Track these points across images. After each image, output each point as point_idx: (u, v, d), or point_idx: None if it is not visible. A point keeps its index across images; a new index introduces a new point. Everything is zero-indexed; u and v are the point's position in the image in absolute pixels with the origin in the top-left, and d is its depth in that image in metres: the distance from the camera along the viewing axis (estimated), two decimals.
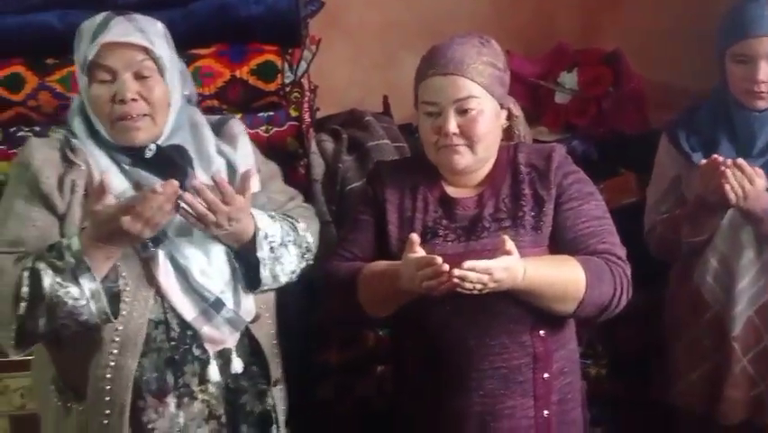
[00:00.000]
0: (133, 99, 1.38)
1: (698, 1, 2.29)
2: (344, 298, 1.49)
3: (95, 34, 1.38)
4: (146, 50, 1.39)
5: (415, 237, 1.36)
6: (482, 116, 1.47)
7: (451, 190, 1.54)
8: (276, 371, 1.53)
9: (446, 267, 1.27)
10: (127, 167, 1.42)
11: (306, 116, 1.89)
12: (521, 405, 1.47)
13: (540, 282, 1.38)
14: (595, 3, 2.37)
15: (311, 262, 1.57)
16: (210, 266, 1.43)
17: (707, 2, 2.28)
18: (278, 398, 1.54)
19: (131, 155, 1.42)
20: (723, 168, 1.58)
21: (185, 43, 1.72)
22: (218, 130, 1.55)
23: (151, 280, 1.40)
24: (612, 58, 2.16)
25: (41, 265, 1.29)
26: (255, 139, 1.77)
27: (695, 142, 1.77)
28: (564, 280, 1.41)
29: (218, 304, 1.43)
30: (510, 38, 2.34)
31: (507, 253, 1.32)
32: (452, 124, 1.44)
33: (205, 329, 1.42)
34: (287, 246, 1.49)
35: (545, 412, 1.48)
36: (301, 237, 1.53)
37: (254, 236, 1.44)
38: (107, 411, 1.38)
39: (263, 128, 1.81)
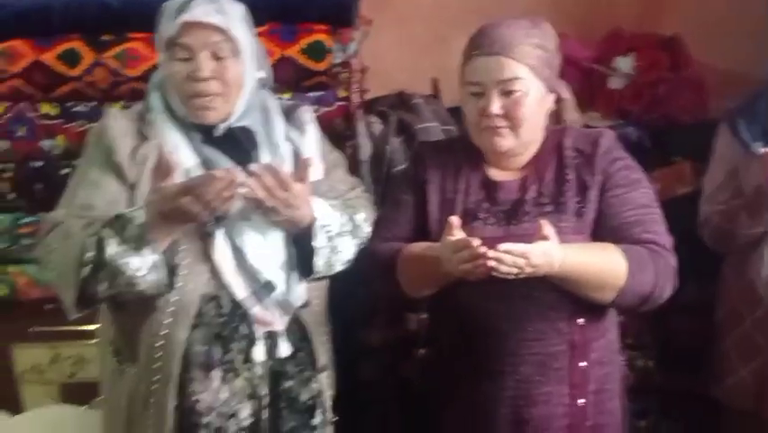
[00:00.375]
0: (208, 78, 1.41)
1: None
2: (384, 278, 1.49)
3: (177, 12, 1.42)
4: (224, 31, 1.42)
5: (454, 219, 1.35)
6: (526, 99, 1.44)
7: (493, 173, 1.52)
8: (323, 357, 1.54)
9: (483, 249, 1.26)
10: (197, 144, 1.44)
11: (355, 97, 1.89)
12: (556, 392, 1.45)
13: (578, 269, 1.36)
14: None
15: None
16: (266, 249, 1.45)
17: None
18: (324, 384, 1.55)
19: (202, 133, 1.45)
20: None
21: None
22: (288, 115, 1.56)
23: (208, 256, 1.42)
24: (671, 43, 2.12)
25: (107, 233, 1.33)
26: None
27: (755, 132, 1.73)
28: (604, 268, 1.38)
29: (270, 286, 1.45)
30: (565, 21, 2.29)
31: (545, 238, 1.30)
32: (496, 105, 1.42)
33: (255, 310, 1.44)
34: (343, 237, 1.50)
35: (581, 401, 1.46)
36: (359, 228, 1.53)
37: (312, 225, 1.45)
38: (156, 378, 1.42)
39: (312, 108, 1.79)
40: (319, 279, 1.52)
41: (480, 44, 1.44)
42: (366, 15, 2.10)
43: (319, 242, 1.45)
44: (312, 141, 1.55)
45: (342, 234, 1.49)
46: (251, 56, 1.47)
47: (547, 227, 1.31)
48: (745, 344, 1.77)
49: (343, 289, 1.88)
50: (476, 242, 1.27)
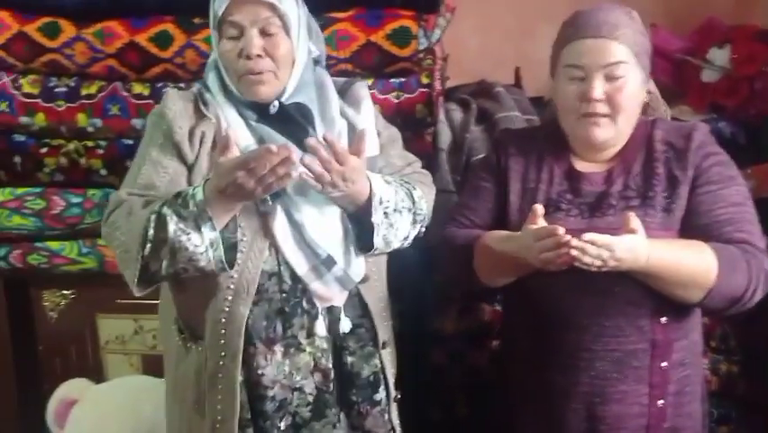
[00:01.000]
0: (258, 55, 1.40)
1: None
2: (461, 264, 1.48)
3: None
4: (273, 7, 1.41)
5: (539, 207, 1.32)
6: (629, 85, 1.40)
7: (578, 164, 1.48)
8: (384, 334, 1.54)
9: (568, 238, 1.23)
10: (253, 123, 1.44)
11: (437, 84, 1.87)
12: (634, 391, 1.41)
13: (665, 266, 1.31)
14: None
15: (423, 230, 1.56)
16: (324, 224, 1.45)
17: None
18: (386, 360, 1.54)
19: (257, 111, 1.45)
20: None
21: (324, 5, 1.77)
22: (344, 92, 1.55)
23: (267, 233, 1.43)
24: (766, 35, 2.00)
25: (168, 211, 1.33)
26: (385, 104, 1.81)
27: None
28: (693, 266, 1.33)
29: (329, 261, 1.45)
30: (657, 11, 2.23)
31: (632, 231, 1.26)
32: (599, 90, 1.38)
33: (315, 285, 1.45)
34: (401, 213, 1.48)
35: (660, 402, 1.42)
36: (416, 205, 1.52)
37: (369, 200, 1.44)
38: (222, 353, 1.43)
39: (394, 94, 1.81)
40: (377, 255, 1.51)
41: (584, 26, 1.39)
42: (450, 2, 2.09)
43: (376, 217, 1.44)
44: (367, 116, 1.53)
45: (399, 210, 1.47)
46: (303, 32, 1.46)
47: (635, 220, 1.27)
48: None
49: (418, 273, 1.90)
50: (561, 230, 1.25)
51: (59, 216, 1.99)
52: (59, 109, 1.92)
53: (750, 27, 2.05)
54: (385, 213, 1.45)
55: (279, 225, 1.43)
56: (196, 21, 1.83)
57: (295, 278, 1.45)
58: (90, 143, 1.94)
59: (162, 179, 1.43)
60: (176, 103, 1.46)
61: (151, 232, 1.33)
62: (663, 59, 2.08)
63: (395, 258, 1.62)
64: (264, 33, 1.41)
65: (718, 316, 1.63)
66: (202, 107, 1.46)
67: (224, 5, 1.41)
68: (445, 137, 1.95)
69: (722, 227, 1.38)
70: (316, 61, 1.54)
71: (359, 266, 1.49)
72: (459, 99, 2.09)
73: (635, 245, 1.26)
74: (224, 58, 1.44)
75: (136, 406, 1.93)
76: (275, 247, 1.44)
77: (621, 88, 1.38)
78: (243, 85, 1.44)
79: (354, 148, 1.39)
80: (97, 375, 2.14)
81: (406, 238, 1.52)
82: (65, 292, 2.15)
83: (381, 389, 1.54)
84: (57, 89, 1.93)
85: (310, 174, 1.35)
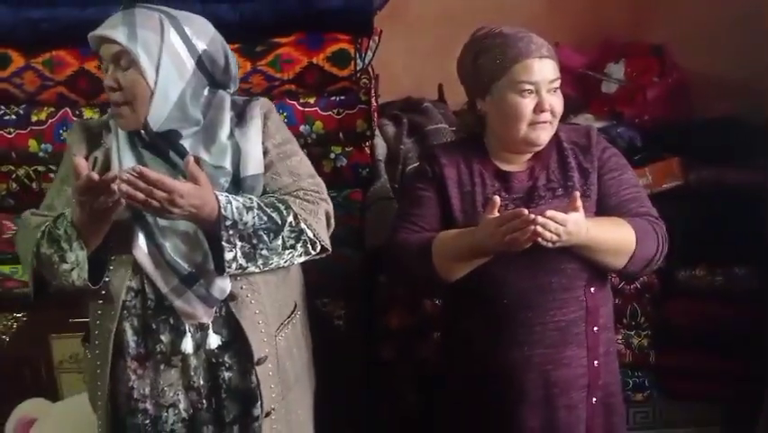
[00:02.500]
0: (113, 89, 1.48)
1: None
2: (421, 264, 1.62)
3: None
4: (120, 44, 1.45)
5: (496, 199, 1.52)
6: (561, 97, 1.66)
7: (503, 166, 1.70)
8: (261, 350, 1.54)
9: (533, 216, 1.43)
10: (139, 147, 1.51)
11: (374, 101, 2.01)
12: (576, 355, 1.63)
13: (600, 238, 1.55)
14: None
15: (321, 253, 1.59)
16: (184, 243, 1.50)
17: None
18: (262, 377, 1.54)
19: (139, 138, 1.52)
20: None
21: (269, 32, 1.90)
22: (241, 112, 1.59)
23: (130, 252, 1.49)
24: (658, 50, 2.28)
25: (48, 231, 1.44)
26: (328, 120, 1.94)
27: None
28: (618, 236, 1.58)
29: (190, 279, 1.48)
30: (562, 30, 2.45)
31: (576, 209, 1.49)
32: (548, 102, 1.61)
33: (178, 303, 1.49)
34: (267, 234, 1.49)
35: (596, 363, 1.65)
36: (286, 227, 1.51)
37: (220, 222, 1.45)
38: (98, 363, 1.54)
39: (335, 111, 1.94)
40: (246, 273, 1.52)
41: (528, 48, 1.61)
42: (377, 26, 2.27)
43: (226, 238, 1.45)
44: (251, 136, 1.56)
45: (260, 231, 1.48)
46: (167, 65, 1.47)
47: (579, 200, 1.50)
48: None
49: (363, 276, 2.05)
50: (525, 211, 1.45)
51: (10, 240, 2.01)
52: (9, 136, 1.96)
53: (642, 44, 2.33)
54: (241, 235, 1.47)
55: (140, 245, 1.48)
56: None
57: (160, 295, 1.50)
58: (41, 168, 1.99)
59: (60, 201, 1.52)
60: (76, 132, 1.59)
61: (35, 249, 1.45)
62: (568, 73, 2.31)
63: (336, 263, 1.72)
64: (119, 67, 1.48)
65: (635, 278, 1.93)
66: (104, 134, 1.56)
67: (90, 41, 1.51)
68: (381, 149, 2.12)
69: (629, 204, 1.65)
70: (221, 86, 1.58)
71: (223, 284, 1.50)
72: (390, 115, 2.27)
73: (580, 220, 1.50)
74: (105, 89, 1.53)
75: (95, 421, 1.98)
76: (138, 266, 1.49)
77: (560, 98, 1.65)
78: (111, 115, 1.55)
79: (189, 176, 1.42)
80: (52, 395, 2.15)
81: (286, 261, 1.54)
82: (17, 315, 2.15)
83: (257, 405, 1.54)
84: (6, 117, 1.97)
85: (135, 202, 1.39)
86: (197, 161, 1.46)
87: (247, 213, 1.47)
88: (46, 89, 1.96)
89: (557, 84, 1.63)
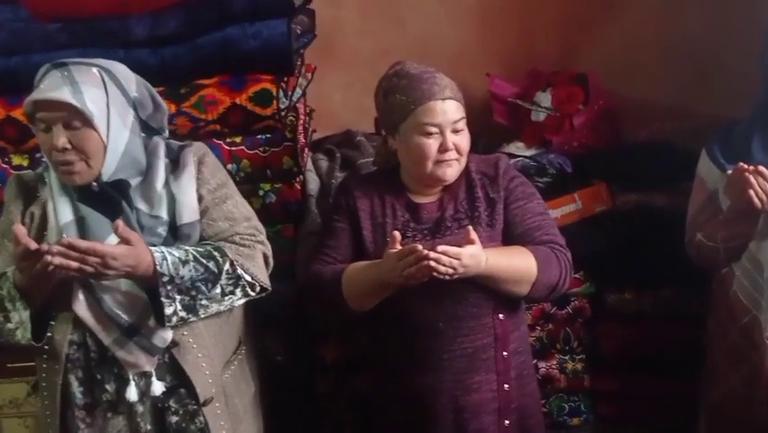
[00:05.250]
0: (65, 148, 1.48)
1: (668, 20, 2.46)
2: (332, 296, 1.67)
3: (34, 88, 1.51)
4: (71, 106, 1.46)
5: (397, 234, 1.57)
6: (467, 134, 1.71)
7: (414, 197, 1.74)
8: (207, 392, 1.58)
9: (426, 252, 1.47)
10: (77, 201, 1.54)
11: (301, 137, 2.05)
12: (486, 380, 1.67)
13: (500, 268, 1.59)
14: (571, 27, 2.53)
15: (261, 293, 1.63)
16: (124, 296, 1.53)
17: (676, 21, 2.46)
18: (210, 417, 1.59)
19: (77, 191, 1.54)
20: (747, 174, 1.65)
21: (191, 74, 1.94)
22: (175, 158, 1.62)
23: (70, 307, 1.52)
24: (582, 78, 2.32)
25: None
26: (254, 158, 1.97)
27: (731, 156, 1.82)
28: (519, 265, 1.62)
29: (131, 331, 1.52)
30: (494, 61, 2.54)
31: (471, 241, 1.52)
32: (452, 143, 1.66)
33: (120, 354, 1.52)
34: (205, 284, 1.53)
35: (506, 386, 1.69)
36: (229, 276, 1.55)
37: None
38: (48, 412, 1.58)
39: (261, 149, 1.98)
40: (188, 323, 1.55)
41: (433, 92, 1.65)
42: (312, 62, 2.31)
43: (164, 294, 1.49)
44: (185, 184, 1.59)
45: (198, 283, 1.52)
46: (115, 119, 1.51)
47: (472, 232, 1.54)
48: (733, 352, 1.87)
49: (297, 310, 2.06)
50: (419, 246, 1.49)
51: None
52: None
53: (568, 72, 2.38)
54: (179, 289, 1.50)
55: (79, 299, 1.51)
56: None
57: (102, 347, 1.53)
58: None
59: (2, 257, 1.55)
60: (10, 189, 1.61)
61: None
62: (500, 103, 2.38)
63: (269, 298, 1.72)
64: (68, 127, 1.48)
65: (542, 302, 1.98)
66: (39, 187, 1.59)
67: (29, 106, 1.49)
68: (314, 184, 2.14)
69: (533, 233, 1.69)
70: (156, 132, 1.62)
71: (164, 333, 1.54)
72: (325, 149, 2.30)
73: (476, 252, 1.54)
74: (42, 149, 1.54)
75: None
76: (79, 320, 1.52)
77: (464, 137, 1.69)
78: (59, 173, 1.53)
79: (121, 239, 1.45)
80: None
81: (225, 306, 1.58)
82: None
83: None
84: None
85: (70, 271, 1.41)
86: (117, 225, 1.46)
87: (183, 267, 1.51)
88: None
89: (461, 124, 1.67)
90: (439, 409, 1.66)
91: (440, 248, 1.49)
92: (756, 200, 1.67)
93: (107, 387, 1.56)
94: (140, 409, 1.56)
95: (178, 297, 1.50)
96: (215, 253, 1.56)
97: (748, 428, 1.87)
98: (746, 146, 1.82)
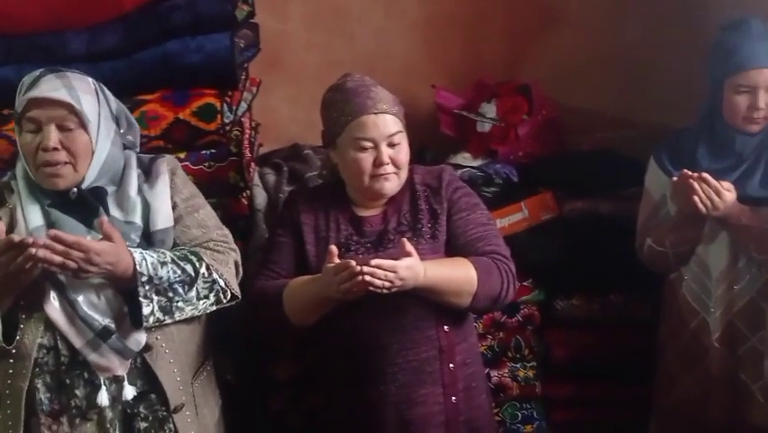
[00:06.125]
0: (55, 148, 1.51)
1: (610, 32, 2.51)
2: (274, 311, 1.65)
3: (27, 89, 1.53)
4: (70, 106, 1.52)
5: (333, 248, 1.55)
6: (405, 147, 1.69)
7: (359, 211, 1.74)
8: (177, 398, 1.59)
9: (359, 267, 1.46)
10: (47, 207, 1.54)
11: (247, 152, 2.03)
12: (432, 393, 1.65)
13: (439, 280, 1.58)
14: (516, 38, 2.57)
15: (231, 300, 1.65)
16: (99, 298, 1.53)
17: (618, 33, 2.52)
18: (180, 424, 1.59)
19: (53, 196, 1.54)
20: (691, 181, 1.71)
21: (131, 90, 1.89)
22: (147, 170, 1.66)
23: (42, 309, 1.50)
24: (525, 89, 2.36)
25: None
26: (199, 174, 1.94)
27: (678, 163, 1.88)
28: (459, 276, 1.61)
29: (105, 333, 1.51)
30: (441, 73, 2.56)
31: (408, 254, 1.51)
32: (387, 156, 1.64)
33: (93, 356, 1.51)
34: (182, 286, 1.55)
35: (453, 399, 1.67)
36: (200, 278, 1.58)
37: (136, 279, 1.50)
38: (9, 423, 1.52)
39: (206, 164, 1.95)
40: (162, 325, 1.57)
41: (366, 106, 1.65)
42: (258, 76, 2.29)
43: (143, 293, 1.51)
44: (159, 192, 1.63)
45: (176, 284, 1.54)
46: (104, 127, 1.57)
47: (407, 244, 1.53)
48: (685, 355, 1.92)
49: (249, 326, 2.03)
50: (352, 262, 1.48)
51: None
52: None
53: (512, 83, 2.41)
54: (157, 289, 1.52)
55: (51, 302, 1.50)
56: (6, 112, 1.88)
57: (73, 350, 1.51)
58: None
59: None
60: None
61: None
62: (446, 114, 2.40)
63: (222, 313, 1.71)
64: (62, 128, 1.52)
65: (485, 313, 1.97)
66: (6, 194, 1.57)
67: (23, 103, 1.52)
68: (261, 199, 2.12)
69: (476, 243, 1.69)
70: (127, 146, 1.66)
71: (138, 336, 1.54)
72: (272, 163, 2.28)
73: (413, 265, 1.53)
74: (25, 150, 1.55)
75: None
76: (50, 323, 1.50)
77: (401, 150, 1.68)
78: (41, 176, 1.54)
79: (104, 235, 1.47)
80: None
81: (200, 310, 1.60)
82: None
83: None
84: None
85: (51, 263, 1.41)
86: (101, 222, 1.50)
87: (161, 267, 1.53)
88: None
89: (398, 137, 1.66)
90: (385, 423, 1.64)
91: (374, 262, 1.48)
92: (701, 206, 1.72)
93: (77, 392, 1.52)
94: (109, 414, 1.54)
95: (155, 297, 1.52)
96: (192, 257, 1.58)
97: (700, 430, 1.93)
98: (693, 153, 1.89)
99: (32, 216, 1.53)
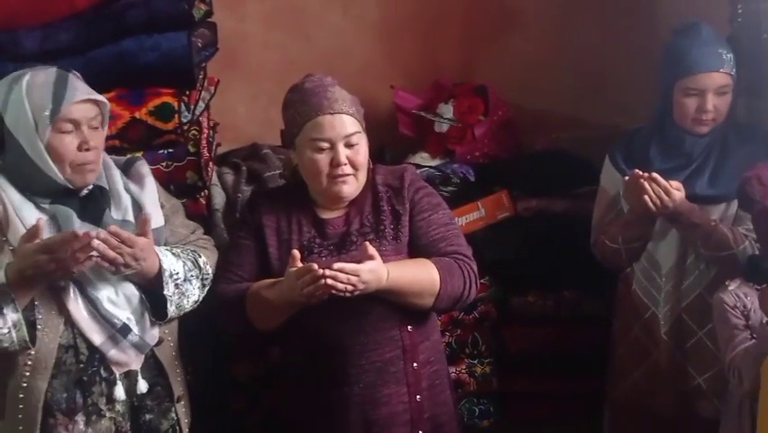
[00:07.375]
0: (93, 148, 1.58)
1: (564, 36, 2.57)
2: (236, 315, 1.65)
3: (56, 91, 1.54)
4: (100, 105, 1.59)
5: (296, 253, 1.55)
6: (363, 147, 1.69)
7: (321, 213, 1.73)
8: (178, 389, 1.68)
9: (321, 271, 1.47)
10: (45, 205, 1.55)
11: (205, 152, 2.02)
12: (396, 393, 1.66)
13: (401, 282, 1.59)
14: (473, 41, 2.61)
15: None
16: (118, 295, 1.58)
17: (572, 37, 2.57)
18: (181, 413, 1.68)
19: (59, 193, 1.56)
20: (642, 181, 1.76)
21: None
22: (126, 170, 1.70)
23: (62, 308, 1.53)
24: (481, 90, 2.40)
25: None
26: (156, 174, 1.89)
27: (631, 162, 1.93)
28: (422, 278, 1.62)
29: (125, 329, 1.57)
30: (399, 74, 2.58)
31: (370, 257, 1.52)
32: (344, 157, 1.64)
33: (112, 353, 1.56)
34: (190, 281, 1.64)
35: (418, 397, 1.68)
36: (203, 271, 1.68)
37: (160, 274, 1.58)
38: (21, 427, 1.50)
39: (164, 164, 1.93)
40: (170, 320, 1.66)
41: (320, 105, 1.64)
42: (216, 76, 2.27)
43: (168, 290, 1.59)
44: (151, 192, 1.69)
45: (188, 279, 1.63)
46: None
47: (370, 248, 1.54)
48: (635, 348, 1.97)
49: (210, 328, 2.02)
50: (314, 266, 1.48)
51: None
52: None
53: (469, 84, 2.45)
54: (176, 284, 1.60)
55: (73, 301, 1.53)
56: None
57: (92, 348, 1.55)
58: None
59: None
60: None
61: None
62: (404, 114, 2.42)
63: (185, 313, 1.73)
64: (92, 128, 1.58)
65: (449, 312, 1.99)
66: None
67: (67, 106, 1.54)
68: (219, 198, 2.11)
69: (438, 244, 1.70)
70: None
71: (153, 330, 1.62)
72: (231, 163, 2.27)
73: (375, 268, 1.53)
74: (59, 151, 1.55)
75: None
76: (70, 322, 1.53)
77: (359, 151, 1.67)
78: (78, 173, 1.57)
79: (141, 230, 1.55)
80: None
81: (196, 302, 1.68)
82: None
83: None
84: None
85: (104, 258, 1.48)
86: (145, 218, 1.58)
87: (177, 262, 1.61)
88: None
89: (356, 138, 1.65)
90: (349, 424, 1.65)
91: (336, 265, 1.48)
92: (651, 205, 1.78)
93: (94, 389, 1.56)
94: (121, 409, 1.59)
95: (175, 291, 1.60)
96: (194, 253, 1.67)
97: (650, 421, 1.98)
98: (645, 153, 1.95)
99: (27, 213, 1.54)
